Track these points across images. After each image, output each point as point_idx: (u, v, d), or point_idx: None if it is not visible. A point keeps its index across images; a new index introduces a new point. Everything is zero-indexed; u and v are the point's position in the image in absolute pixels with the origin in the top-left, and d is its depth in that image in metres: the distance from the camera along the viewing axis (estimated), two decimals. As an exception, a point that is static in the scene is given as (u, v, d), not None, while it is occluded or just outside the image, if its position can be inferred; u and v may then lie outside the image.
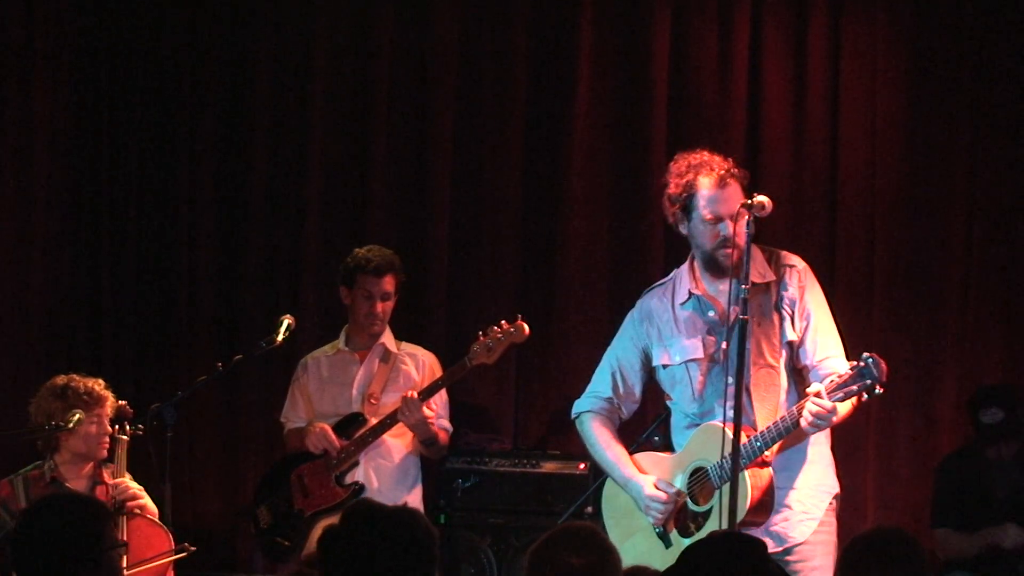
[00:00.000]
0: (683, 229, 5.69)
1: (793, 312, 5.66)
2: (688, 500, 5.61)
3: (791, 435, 5.48)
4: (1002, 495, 7.08)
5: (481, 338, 6.95)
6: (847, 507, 6.29)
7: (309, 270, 8.21)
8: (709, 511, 5.54)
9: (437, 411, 7.10)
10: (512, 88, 8.10)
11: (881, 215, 7.75)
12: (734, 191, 5.61)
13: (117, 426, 6.35)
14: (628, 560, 5.51)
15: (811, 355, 5.65)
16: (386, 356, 7.18)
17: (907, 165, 7.78)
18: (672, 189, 5.67)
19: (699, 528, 5.56)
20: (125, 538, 5.97)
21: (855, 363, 5.35)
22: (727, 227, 5.57)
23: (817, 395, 5.36)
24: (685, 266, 5.80)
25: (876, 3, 7.80)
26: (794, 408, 5.45)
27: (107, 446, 6.34)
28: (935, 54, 7.76)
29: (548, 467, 7.53)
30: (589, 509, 7.31)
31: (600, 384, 5.86)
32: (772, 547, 5.53)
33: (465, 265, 8.15)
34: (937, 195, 7.74)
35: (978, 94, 7.73)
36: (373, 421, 7.02)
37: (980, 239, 7.72)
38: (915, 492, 7.54)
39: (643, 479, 5.65)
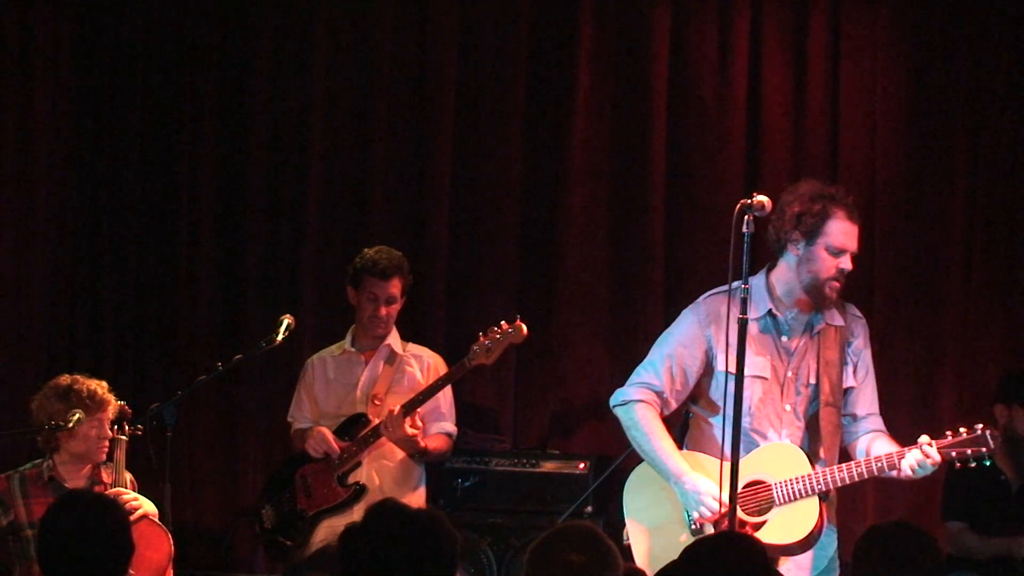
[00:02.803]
0: (793, 250, 5.68)
1: (857, 361, 5.79)
2: (739, 509, 5.58)
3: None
4: (1017, 488, 7.06)
5: (481, 339, 6.94)
6: (846, 508, 6.30)
7: (309, 270, 8.21)
8: (762, 524, 5.59)
9: (440, 414, 7.09)
10: (512, 88, 8.10)
11: (881, 215, 7.76)
12: (858, 230, 5.70)
13: (116, 426, 6.34)
14: (650, 550, 5.62)
15: (861, 406, 5.78)
16: (391, 358, 7.16)
17: (907, 165, 7.78)
18: (800, 209, 5.67)
19: None
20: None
21: (968, 429, 5.50)
22: (847, 261, 5.66)
23: (929, 445, 5.50)
24: (757, 281, 5.75)
25: (876, 3, 7.80)
26: (893, 453, 5.55)
27: (107, 449, 6.32)
28: (935, 54, 7.77)
29: (548, 467, 7.54)
30: (589, 508, 7.32)
31: (651, 376, 5.80)
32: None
33: (465, 265, 8.15)
34: (937, 195, 7.75)
35: (978, 94, 7.73)
36: (376, 422, 7.02)
37: (980, 239, 7.73)
38: (914, 493, 7.53)
39: (698, 478, 5.62)
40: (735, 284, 5.51)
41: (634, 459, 7.12)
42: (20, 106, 8.12)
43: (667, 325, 7.78)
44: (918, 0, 7.80)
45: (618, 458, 7.03)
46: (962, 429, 5.52)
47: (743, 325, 5.45)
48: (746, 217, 5.53)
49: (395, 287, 7.09)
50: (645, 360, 5.85)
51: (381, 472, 7.05)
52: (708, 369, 5.77)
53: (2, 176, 8.08)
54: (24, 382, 7.41)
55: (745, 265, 5.53)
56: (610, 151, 8.05)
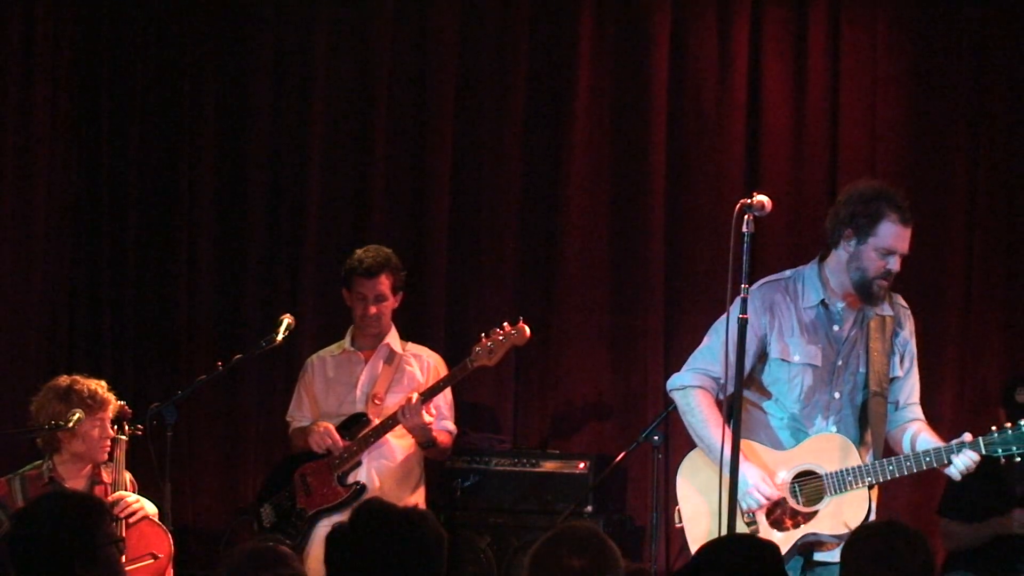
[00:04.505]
0: (845, 247, 5.73)
1: (903, 352, 5.86)
2: (789, 497, 5.67)
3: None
4: (1020, 489, 7.05)
5: (483, 340, 6.93)
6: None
7: (309, 270, 8.21)
8: (813, 514, 5.65)
9: (440, 413, 7.09)
10: (512, 88, 8.10)
11: (881, 215, 7.75)
12: (910, 232, 5.75)
13: (116, 426, 6.34)
14: (698, 536, 5.64)
15: (904, 395, 5.85)
16: (390, 357, 7.16)
17: (907, 165, 7.78)
18: (854, 208, 5.73)
19: (796, 526, 5.64)
20: (124, 536, 5.97)
21: (1013, 424, 5.53)
22: (895, 262, 5.71)
23: (972, 442, 5.55)
24: (810, 270, 5.83)
25: (876, 3, 7.81)
26: (940, 448, 5.60)
27: (108, 449, 6.33)
28: (935, 54, 7.77)
29: (548, 466, 7.54)
30: (589, 508, 7.32)
31: (709, 362, 5.82)
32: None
33: (465, 265, 8.16)
34: (937, 195, 7.75)
35: (978, 94, 7.74)
36: (376, 422, 7.02)
37: (980, 239, 7.73)
38: (914, 492, 7.54)
39: (748, 468, 5.63)
40: (736, 298, 5.50)
41: (636, 457, 7.17)
42: (20, 105, 8.12)
43: (667, 325, 7.89)
44: (918, 0, 7.79)
45: (617, 457, 7.04)
46: (1007, 424, 5.55)
47: (743, 325, 5.46)
48: (746, 217, 5.53)
49: (383, 284, 7.08)
50: (702, 346, 5.88)
51: (381, 472, 7.05)
52: (762, 356, 5.81)
53: (2, 176, 8.08)
54: (24, 382, 7.41)
55: (745, 265, 5.53)
56: (610, 151, 8.05)
